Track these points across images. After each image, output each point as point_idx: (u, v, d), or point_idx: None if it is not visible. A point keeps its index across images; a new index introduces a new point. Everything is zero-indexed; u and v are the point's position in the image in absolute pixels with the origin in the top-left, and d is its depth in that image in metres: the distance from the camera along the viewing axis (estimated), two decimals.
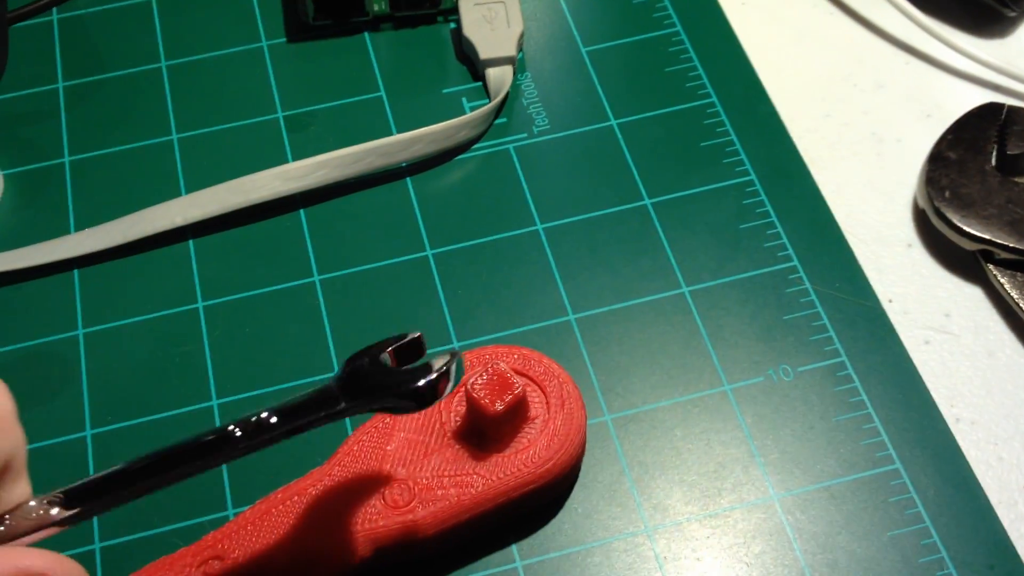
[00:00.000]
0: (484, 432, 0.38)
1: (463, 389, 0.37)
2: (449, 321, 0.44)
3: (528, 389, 0.39)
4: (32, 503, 0.29)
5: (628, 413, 0.41)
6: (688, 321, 0.44)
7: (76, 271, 0.45)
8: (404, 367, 0.33)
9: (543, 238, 0.46)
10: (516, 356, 0.40)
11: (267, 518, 0.37)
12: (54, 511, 0.29)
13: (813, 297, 0.44)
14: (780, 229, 0.46)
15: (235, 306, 0.44)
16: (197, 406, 0.42)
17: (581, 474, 0.40)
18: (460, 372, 0.33)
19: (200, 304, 0.44)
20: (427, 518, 0.37)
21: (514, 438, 0.38)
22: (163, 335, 0.44)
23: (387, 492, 0.37)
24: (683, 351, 0.43)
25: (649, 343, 0.43)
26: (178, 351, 0.43)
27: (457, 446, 0.38)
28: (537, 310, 0.44)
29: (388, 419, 0.38)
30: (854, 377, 0.42)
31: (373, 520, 0.36)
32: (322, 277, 0.45)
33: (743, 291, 0.44)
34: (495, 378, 0.37)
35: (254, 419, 0.31)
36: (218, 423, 0.41)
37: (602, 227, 0.46)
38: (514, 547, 0.39)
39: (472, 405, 0.37)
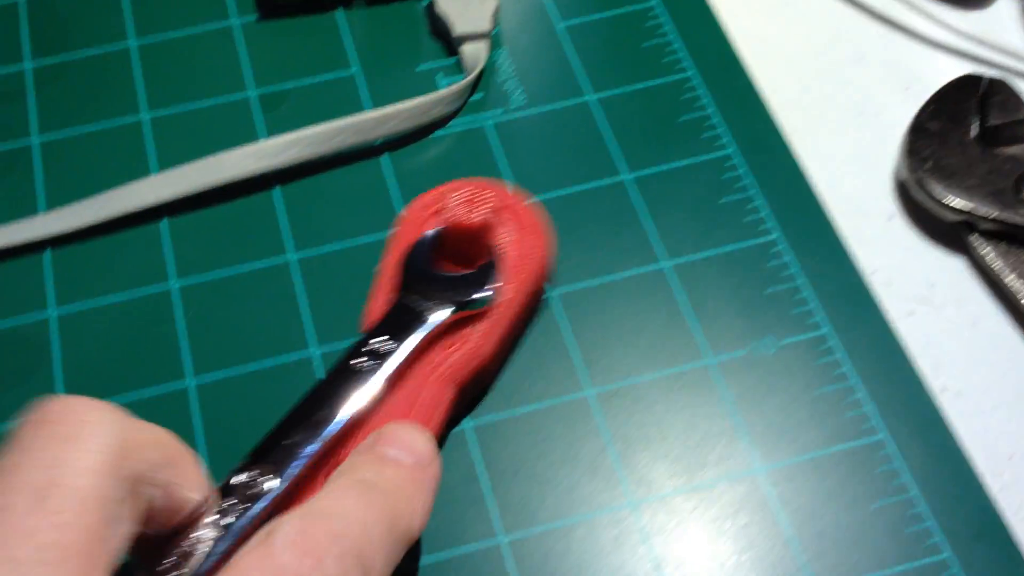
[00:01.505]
0: (468, 254, 0.41)
1: (436, 227, 0.41)
2: None
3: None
4: (242, 477, 0.32)
5: (610, 388, 0.41)
6: (669, 296, 0.43)
7: (48, 251, 0.44)
8: (460, 274, 0.40)
9: None
10: (443, 189, 0.42)
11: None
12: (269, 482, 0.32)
13: (795, 270, 0.44)
14: (760, 202, 0.45)
15: (210, 286, 0.44)
16: (172, 386, 0.41)
17: (563, 449, 0.39)
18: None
19: (174, 284, 0.44)
20: (483, 338, 0.39)
21: (493, 247, 0.41)
22: (137, 316, 0.43)
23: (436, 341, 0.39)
24: (665, 326, 0.42)
25: (631, 318, 0.43)
26: (153, 332, 0.42)
27: None
28: None
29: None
30: (837, 349, 0.42)
31: (442, 363, 0.38)
32: (298, 256, 0.44)
33: (725, 265, 0.44)
34: (463, 200, 0.41)
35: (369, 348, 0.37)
36: (196, 404, 0.40)
37: (581, 203, 0.46)
38: (498, 523, 0.38)
39: (459, 229, 0.40)
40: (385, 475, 0.30)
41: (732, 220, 0.45)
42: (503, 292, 0.40)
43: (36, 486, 0.23)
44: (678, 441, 0.40)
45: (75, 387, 0.41)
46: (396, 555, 0.28)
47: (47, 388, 0.41)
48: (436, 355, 0.38)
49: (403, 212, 0.42)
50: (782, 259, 0.44)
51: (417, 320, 0.38)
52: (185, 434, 0.39)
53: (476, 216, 0.40)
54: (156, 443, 0.27)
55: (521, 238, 0.41)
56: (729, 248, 0.44)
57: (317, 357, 0.42)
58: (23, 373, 0.41)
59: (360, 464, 0.31)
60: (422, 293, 0.39)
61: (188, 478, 0.28)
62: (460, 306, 0.39)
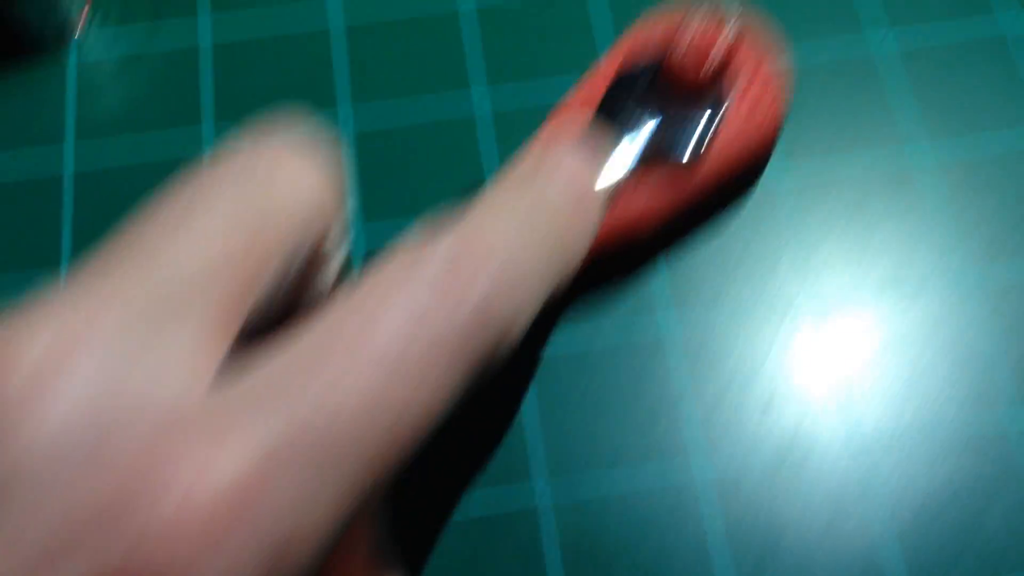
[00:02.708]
0: (683, 100, 0.33)
1: (656, 60, 0.33)
2: None
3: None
4: None
5: None
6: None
7: None
8: (666, 118, 0.32)
9: None
10: (677, 19, 0.34)
11: None
12: None
13: None
14: None
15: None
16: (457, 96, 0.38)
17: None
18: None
19: (465, 6, 0.40)
20: (644, 211, 0.32)
21: (715, 102, 0.34)
22: (425, 32, 0.40)
23: None
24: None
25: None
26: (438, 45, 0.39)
27: None
28: None
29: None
30: None
31: None
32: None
33: None
34: (695, 43, 0.33)
35: None
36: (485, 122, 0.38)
37: None
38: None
39: (680, 74, 0.33)
40: (548, 194, 0.26)
41: None
42: (706, 159, 0.33)
43: (228, 206, 0.21)
44: None
45: (360, 92, 0.39)
46: (552, 284, 0.24)
47: (330, 95, 0.39)
48: None
49: (624, 35, 0.35)
50: None
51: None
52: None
53: (706, 68, 0.33)
54: (342, 224, 0.24)
55: (750, 102, 0.33)
56: None
57: None
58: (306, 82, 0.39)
59: (524, 168, 0.27)
60: (616, 127, 0.32)
61: (332, 272, 0.25)
62: (652, 155, 0.32)
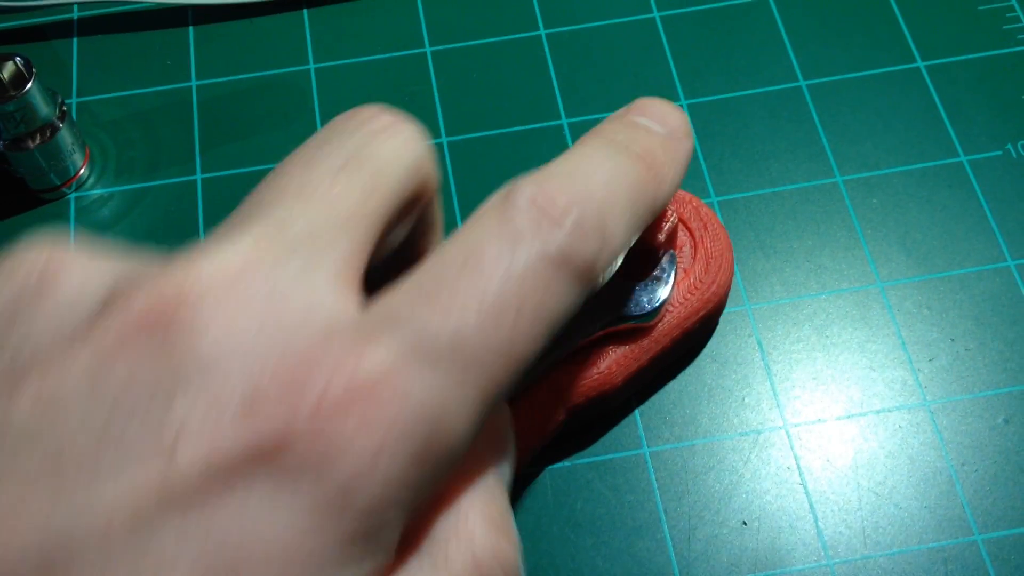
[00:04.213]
0: (639, 270, 0.35)
1: None
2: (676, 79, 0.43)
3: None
4: None
5: (860, 177, 0.41)
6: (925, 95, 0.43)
7: (305, 11, 0.46)
8: (624, 283, 0.34)
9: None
10: None
11: None
12: None
13: None
14: (1021, 13, 0.44)
15: (462, 52, 0.45)
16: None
17: (813, 229, 0.40)
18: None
19: (428, 49, 0.45)
20: (613, 367, 0.35)
21: (668, 263, 0.36)
22: (391, 75, 0.44)
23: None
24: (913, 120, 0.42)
25: (885, 112, 0.42)
26: (407, 91, 0.43)
27: None
28: None
29: None
30: None
31: (562, 381, 0.35)
32: (548, 31, 0.45)
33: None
34: None
35: None
36: (448, 160, 0.41)
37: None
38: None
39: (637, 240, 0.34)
40: (636, 139, 0.28)
41: (992, 27, 0.44)
42: (666, 316, 0.36)
43: (345, 155, 0.23)
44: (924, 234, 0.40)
45: None
46: (637, 225, 0.26)
47: (310, 131, 0.42)
48: (564, 369, 0.35)
49: None
50: None
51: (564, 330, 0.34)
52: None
53: (660, 237, 0.35)
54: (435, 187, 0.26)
55: (703, 260, 0.37)
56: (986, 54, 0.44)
57: (567, 126, 0.42)
58: (288, 117, 0.43)
59: (609, 128, 0.29)
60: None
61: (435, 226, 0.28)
62: (614, 320, 0.34)
